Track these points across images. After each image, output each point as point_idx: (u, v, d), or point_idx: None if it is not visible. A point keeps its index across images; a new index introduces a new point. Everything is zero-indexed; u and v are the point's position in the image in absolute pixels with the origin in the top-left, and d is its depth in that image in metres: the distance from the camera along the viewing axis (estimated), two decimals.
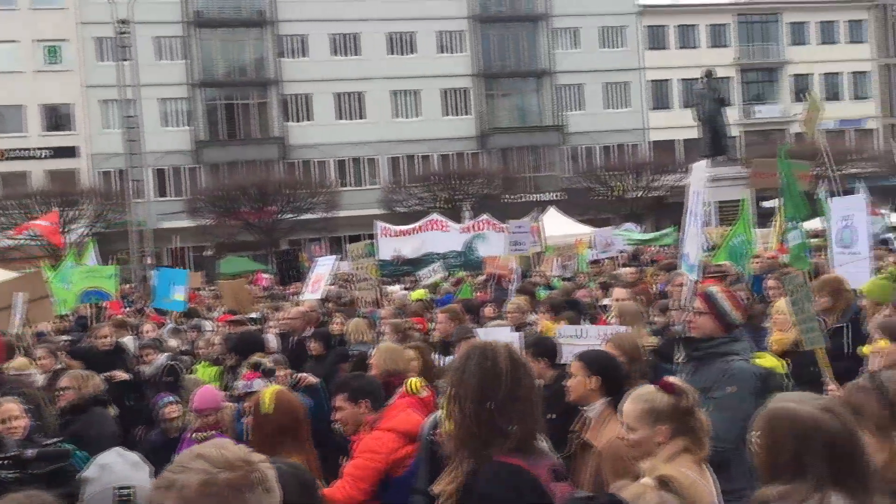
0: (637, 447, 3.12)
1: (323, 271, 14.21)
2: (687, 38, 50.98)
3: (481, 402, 2.93)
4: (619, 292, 7.60)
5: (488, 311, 8.98)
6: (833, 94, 49.75)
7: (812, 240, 11.04)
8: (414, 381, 4.87)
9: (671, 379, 3.30)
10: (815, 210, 11.03)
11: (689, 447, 3.06)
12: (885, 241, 16.34)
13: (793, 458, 2.32)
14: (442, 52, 47.90)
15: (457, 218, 26.01)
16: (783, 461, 2.33)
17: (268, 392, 4.41)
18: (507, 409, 2.92)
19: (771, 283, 8.51)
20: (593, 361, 4.22)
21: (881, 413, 2.49)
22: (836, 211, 8.70)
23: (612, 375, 4.13)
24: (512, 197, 42.48)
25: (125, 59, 35.83)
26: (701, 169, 8.04)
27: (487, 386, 2.95)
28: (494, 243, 16.32)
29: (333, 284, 17.30)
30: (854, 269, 7.72)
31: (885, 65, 51.89)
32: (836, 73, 51.61)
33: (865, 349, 4.80)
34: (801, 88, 50.93)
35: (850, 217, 8.35)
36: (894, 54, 51.95)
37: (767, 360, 4.91)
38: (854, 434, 2.31)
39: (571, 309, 8.10)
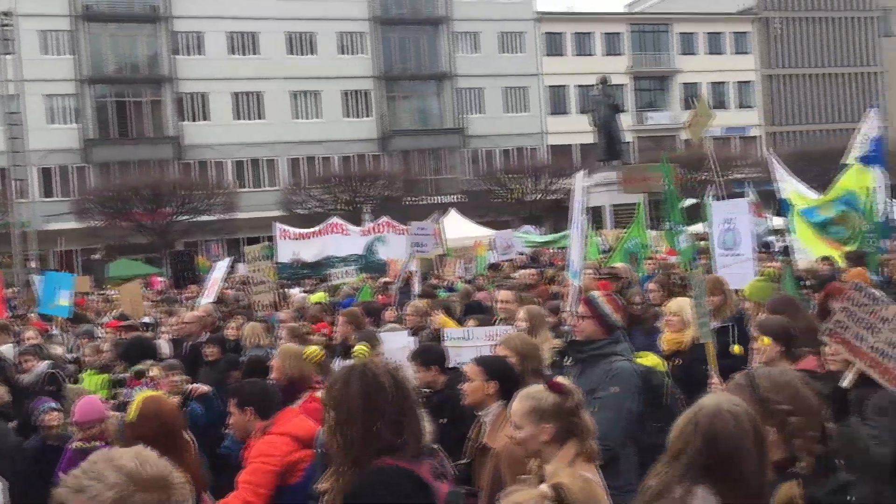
0: (523, 445, 3.17)
1: (218, 275, 13.90)
2: (583, 45, 52.30)
3: (369, 426, 2.83)
4: (503, 294, 7.68)
5: (389, 314, 8.93)
6: (719, 103, 51.98)
7: (700, 242, 11.47)
8: (361, 348, 5.00)
9: (559, 379, 3.37)
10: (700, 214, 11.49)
11: (580, 449, 3.12)
12: (767, 245, 17.13)
13: (680, 444, 2.41)
14: (343, 53, 47.53)
15: (357, 220, 25.84)
16: (675, 445, 2.41)
17: (136, 400, 4.26)
18: (395, 427, 2.86)
19: (652, 286, 8.78)
20: (492, 367, 4.25)
21: (754, 409, 2.54)
22: (719, 214, 8.98)
23: (509, 379, 4.17)
24: (413, 199, 42.54)
25: (7, 53, 33.98)
26: (581, 178, 8.24)
27: (373, 409, 2.83)
28: (395, 246, 16.30)
29: (230, 288, 16.91)
30: (738, 271, 8.01)
31: (768, 75, 54.60)
32: (723, 83, 53.97)
33: (736, 348, 5.00)
34: (691, 96, 53.09)
35: (732, 220, 8.64)
36: (776, 65, 54.71)
37: (649, 360, 5.10)
38: (740, 441, 2.35)
39: (475, 312, 8.14)
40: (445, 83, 49.36)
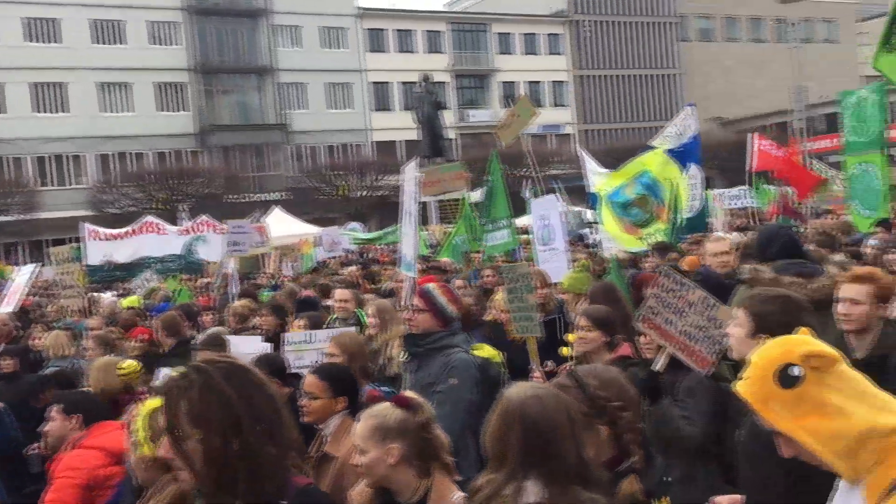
0: (369, 471, 2.83)
1: (21, 281, 12.77)
2: (405, 42, 52.76)
3: (258, 439, 2.09)
4: (340, 293, 7.52)
5: (207, 318, 8.52)
6: (536, 102, 53.87)
7: (523, 236, 11.78)
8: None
9: (407, 393, 3.12)
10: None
11: (442, 469, 2.86)
12: (581, 237, 17.94)
13: (500, 445, 2.36)
14: (154, 43, 45.17)
15: (174, 219, 24.64)
16: (495, 448, 2.38)
17: None
18: (279, 438, 2.17)
19: (487, 271, 8.94)
20: (338, 381, 3.93)
21: (584, 410, 2.53)
22: (536, 211, 9.27)
23: (353, 389, 3.96)
24: (235, 197, 41.21)
25: None
26: (412, 169, 8.13)
27: (257, 417, 2.08)
28: (216, 245, 15.64)
29: (35, 294, 15.61)
30: (554, 265, 8.29)
31: (580, 76, 57.47)
32: (538, 82, 56.22)
33: (565, 350, 5.05)
34: (509, 95, 54.91)
35: (547, 216, 8.93)
36: (587, 66, 57.67)
37: (485, 351, 5.11)
38: (557, 420, 2.33)
39: (308, 308, 7.83)
40: (266, 77, 48.16)
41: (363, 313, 6.89)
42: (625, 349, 4.59)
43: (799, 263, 4.92)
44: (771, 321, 3.12)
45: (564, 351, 4.84)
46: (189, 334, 7.54)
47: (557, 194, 11.98)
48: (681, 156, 10.47)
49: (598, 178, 11.60)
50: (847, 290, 3.85)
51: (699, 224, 10.90)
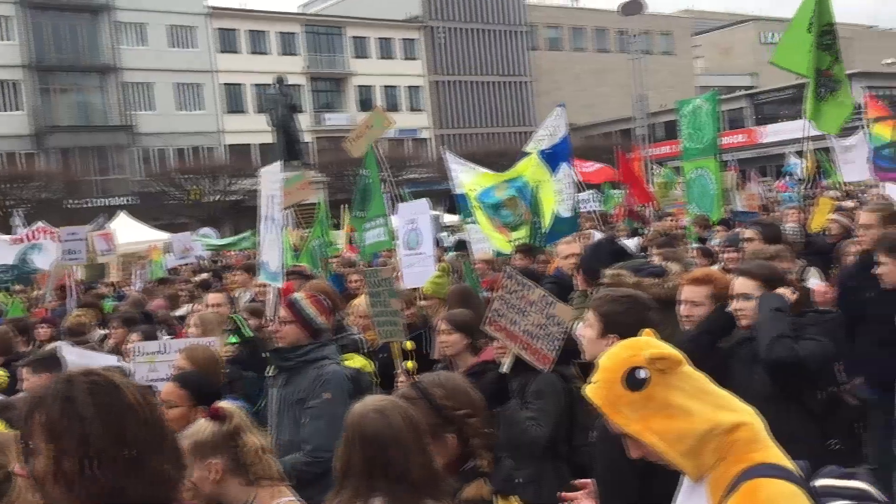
0: (198, 492, 2.72)
1: None
2: (258, 43, 51.59)
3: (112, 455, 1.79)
4: (213, 297, 7.22)
5: (43, 331, 7.94)
6: (392, 106, 54.30)
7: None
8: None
9: (220, 404, 2.97)
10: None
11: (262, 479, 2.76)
12: (437, 241, 18.06)
13: (343, 462, 2.30)
14: None
15: (7, 227, 22.95)
16: (339, 466, 2.32)
17: None
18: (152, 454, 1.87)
19: (353, 276, 8.78)
20: (199, 390, 3.75)
21: (432, 420, 2.49)
22: (403, 215, 9.12)
23: (215, 399, 3.78)
24: (76, 202, 38.90)
25: None
26: (272, 172, 7.84)
27: (90, 437, 1.76)
28: (53, 254, 14.66)
29: None
30: (420, 269, 8.24)
31: (435, 81, 58.14)
32: (395, 87, 56.44)
33: (409, 364, 5.00)
34: (365, 98, 54.79)
35: (415, 220, 8.84)
36: (442, 72, 58.42)
37: (356, 361, 4.99)
38: (400, 433, 2.27)
39: (145, 322, 7.50)
40: (109, 77, 45.76)
41: (242, 319, 6.63)
42: (489, 353, 4.63)
43: (650, 265, 5.13)
44: (618, 321, 3.21)
45: (408, 365, 4.78)
46: (22, 350, 7.00)
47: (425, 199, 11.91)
48: (551, 157, 10.60)
49: (467, 177, 11.60)
50: (687, 292, 4.01)
51: (573, 225, 11.09)
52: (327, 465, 4.02)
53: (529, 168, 10.49)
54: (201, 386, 3.83)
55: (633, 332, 2.89)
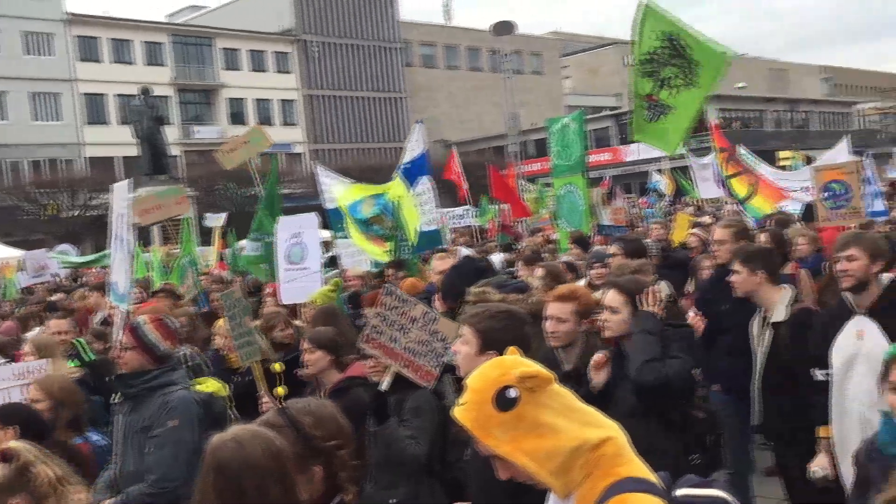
0: None
1: None
2: (121, 52, 49.51)
3: None
4: (55, 324, 6.74)
5: None
6: (265, 120, 53.34)
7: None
8: None
9: (12, 444, 2.85)
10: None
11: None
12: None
13: (199, 495, 2.15)
14: None
15: None
16: (196, 496, 2.16)
17: None
18: None
19: (215, 295, 8.51)
20: (26, 425, 3.57)
21: (298, 450, 2.34)
22: (285, 229, 8.88)
23: (42, 435, 3.54)
24: None
25: None
26: (123, 188, 7.44)
27: None
28: None
29: None
30: (302, 285, 8.04)
31: (309, 95, 57.54)
32: (268, 100, 55.45)
33: (280, 390, 4.87)
34: (237, 112, 53.56)
35: (300, 234, 8.62)
36: (316, 86, 57.89)
37: (209, 385, 4.80)
38: (259, 465, 2.12)
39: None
40: None
41: (84, 343, 6.26)
42: (356, 369, 4.58)
43: (513, 281, 5.21)
44: (497, 337, 3.20)
45: (279, 391, 4.65)
46: None
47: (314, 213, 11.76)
48: (409, 172, 10.68)
49: (339, 190, 11.51)
50: (552, 309, 4.06)
51: (437, 238, 11.16)
52: (173, 496, 3.84)
53: (392, 185, 10.57)
54: (27, 420, 3.65)
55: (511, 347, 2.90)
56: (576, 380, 3.62)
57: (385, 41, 61.48)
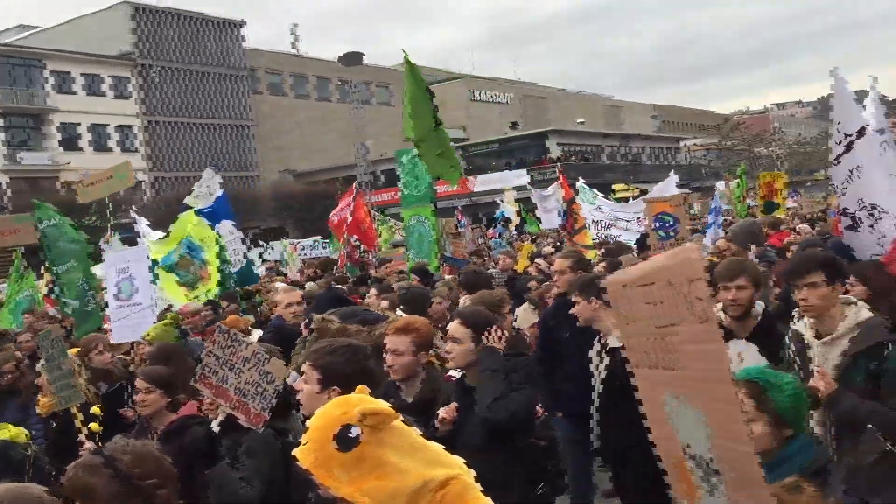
0: None
1: None
2: None
3: None
4: None
5: None
6: (101, 146, 50.78)
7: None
8: None
9: None
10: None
11: None
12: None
13: None
14: None
15: None
16: None
17: None
18: None
19: (24, 336, 8.03)
20: None
21: (117, 491, 2.22)
22: (113, 263, 8.45)
23: None
24: None
25: None
26: None
27: None
28: None
29: None
30: (135, 321, 7.66)
31: (149, 121, 55.28)
32: (104, 126, 52.78)
33: (94, 426, 4.64)
34: (69, 137, 50.65)
35: (129, 269, 8.22)
36: (157, 112, 55.72)
37: (8, 431, 4.47)
38: None
39: None
40: None
41: None
42: (189, 408, 4.42)
43: (361, 311, 5.18)
44: (338, 372, 3.12)
45: (94, 427, 4.41)
46: None
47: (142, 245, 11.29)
48: (211, 215, 10.56)
49: (154, 246, 11.15)
50: (390, 342, 4.04)
51: (250, 277, 11.02)
52: None
53: (190, 226, 10.31)
54: None
55: (354, 382, 2.85)
56: (418, 413, 3.61)
57: (231, 68, 60.19)
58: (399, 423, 1.99)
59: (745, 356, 4.28)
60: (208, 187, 10.71)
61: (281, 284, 9.84)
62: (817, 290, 3.91)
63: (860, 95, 9.14)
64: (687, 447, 2.26)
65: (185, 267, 10.02)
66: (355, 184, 18.09)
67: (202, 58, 58.34)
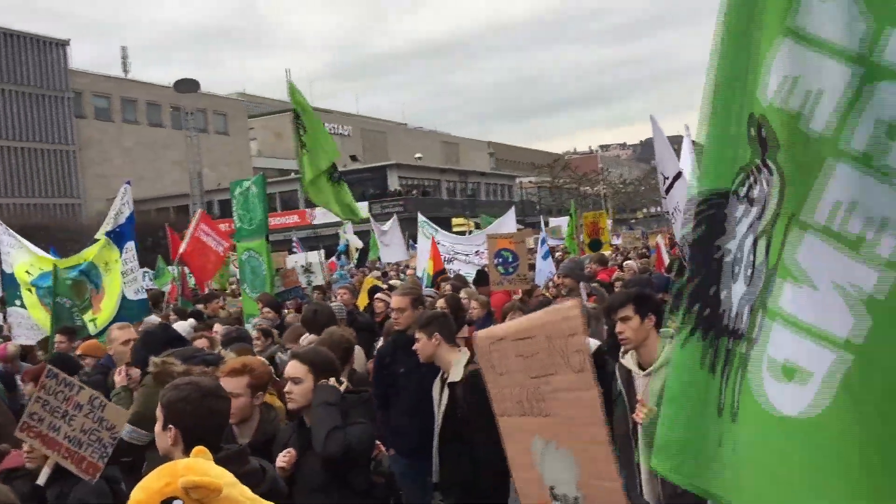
0: None
1: None
2: None
3: None
4: None
5: None
6: None
7: None
8: None
9: None
10: None
11: None
12: None
13: None
14: None
15: None
16: None
17: None
18: None
19: None
20: None
21: None
22: None
23: None
24: None
25: None
26: None
27: None
28: None
29: None
30: None
31: None
32: None
33: None
34: None
35: None
36: None
37: None
38: None
39: None
40: None
41: None
42: (14, 459, 4.08)
43: (203, 352, 4.97)
44: (178, 410, 3.01)
45: None
46: None
47: None
48: (118, 237, 9.94)
49: (20, 256, 10.34)
50: (225, 384, 3.91)
51: (143, 308, 10.42)
52: None
53: (96, 251, 9.77)
54: None
55: (197, 422, 2.78)
56: (262, 452, 3.51)
57: (52, 89, 56.69)
58: (231, 491, 1.86)
59: None
60: (119, 206, 9.99)
61: None
62: (629, 324, 4.23)
63: (678, 140, 9.94)
64: (553, 488, 2.38)
65: (76, 291, 9.35)
66: (200, 211, 17.40)
67: (20, 77, 54.61)
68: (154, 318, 10.30)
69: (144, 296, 10.23)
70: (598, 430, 2.16)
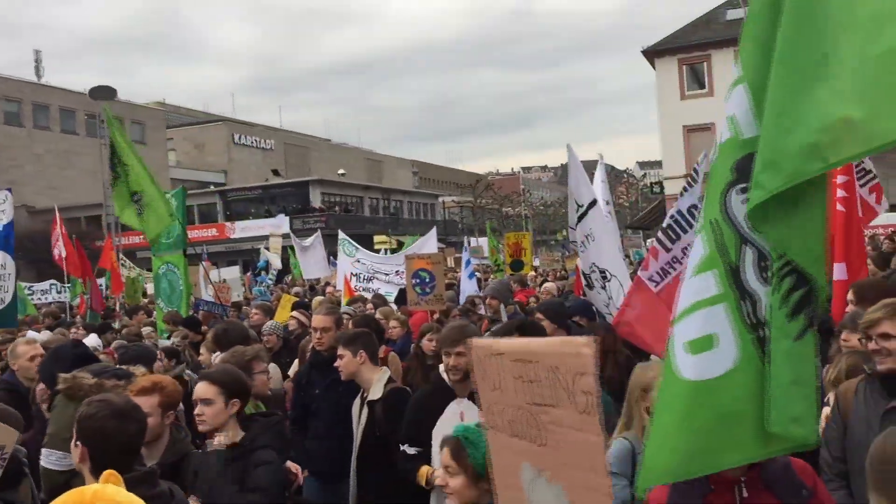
0: None
1: None
2: None
3: None
4: None
5: None
6: None
7: None
8: None
9: None
10: None
11: None
12: None
13: None
14: None
15: None
16: None
17: None
18: None
19: None
20: None
21: None
22: None
23: None
24: None
25: None
26: None
27: None
28: None
29: None
30: None
31: None
32: None
33: None
34: None
35: None
36: None
37: None
38: None
39: None
40: None
41: None
42: None
43: (113, 368, 4.81)
44: (88, 428, 2.96)
45: None
46: None
47: None
48: None
49: None
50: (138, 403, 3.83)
51: (10, 318, 10.01)
52: None
53: None
54: None
55: (104, 441, 2.82)
56: (163, 479, 3.41)
57: None
58: None
59: (466, 414, 4.43)
60: None
61: (31, 334, 8.93)
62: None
63: (594, 165, 10.19)
64: None
65: None
66: (57, 215, 16.97)
67: None
68: (47, 333, 9.97)
69: (4, 305, 9.90)
70: (600, 480, 2.09)
